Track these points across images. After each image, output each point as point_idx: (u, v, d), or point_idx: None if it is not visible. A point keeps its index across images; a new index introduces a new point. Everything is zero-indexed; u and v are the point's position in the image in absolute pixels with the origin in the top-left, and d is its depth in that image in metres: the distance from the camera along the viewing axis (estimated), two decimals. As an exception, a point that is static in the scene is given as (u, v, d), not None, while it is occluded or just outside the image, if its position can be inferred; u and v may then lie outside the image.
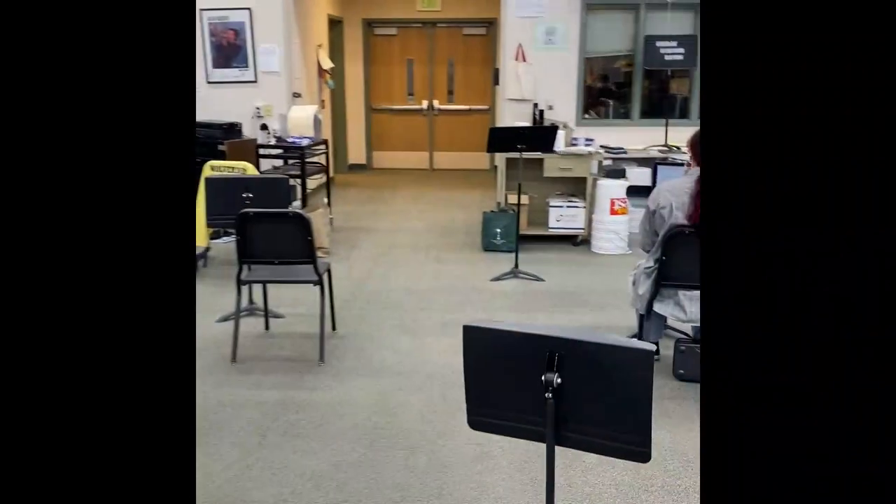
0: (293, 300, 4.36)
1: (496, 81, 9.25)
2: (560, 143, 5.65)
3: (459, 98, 9.78)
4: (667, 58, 6.29)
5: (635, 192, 5.70)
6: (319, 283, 3.46)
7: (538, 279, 4.88)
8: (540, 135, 4.71)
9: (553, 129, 4.71)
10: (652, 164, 5.74)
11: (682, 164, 5.44)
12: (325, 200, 5.93)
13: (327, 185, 6.23)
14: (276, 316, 4.13)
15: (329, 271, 3.75)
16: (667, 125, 6.50)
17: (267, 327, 3.98)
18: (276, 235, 3.28)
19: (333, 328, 3.93)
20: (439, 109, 9.80)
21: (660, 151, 6.33)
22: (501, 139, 4.70)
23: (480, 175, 9.61)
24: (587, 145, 6.03)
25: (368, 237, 6.15)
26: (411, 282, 4.87)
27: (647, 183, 6.34)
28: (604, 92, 7.00)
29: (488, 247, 5.64)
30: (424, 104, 9.79)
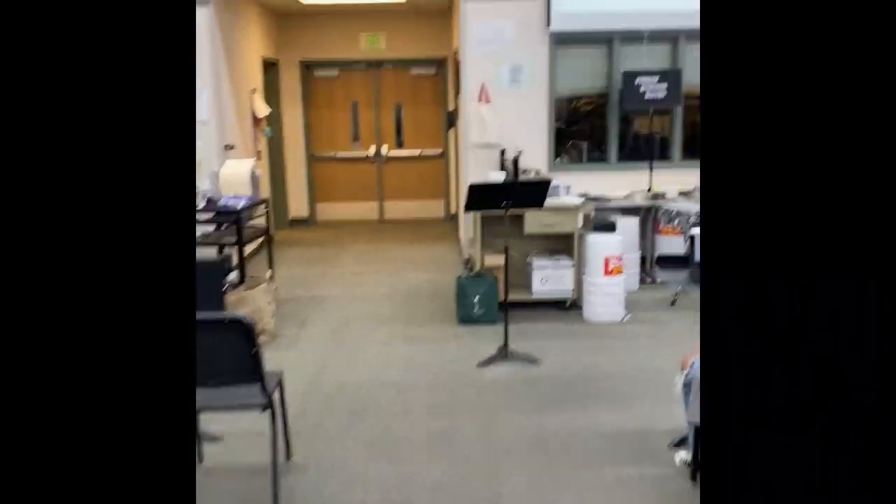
0: (232, 415, 3.40)
1: (450, 124, 8.53)
2: (540, 195, 4.90)
3: (409, 142, 9.02)
4: (647, 96, 5.67)
5: (666, 262, 5.05)
6: (269, 407, 2.55)
7: (533, 360, 4.06)
8: (530, 190, 3.93)
9: (545, 183, 3.95)
10: (688, 237, 5.10)
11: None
12: (269, 273, 5.00)
13: (269, 251, 5.31)
14: (212, 439, 3.17)
15: (281, 385, 2.84)
16: (651, 168, 5.86)
17: (200, 458, 3.02)
18: (210, 350, 2.37)
19: (288, 457, 3.00)
20: (388, 155, 9.01)
21: (645, 199, 5.66)
22: (483, 197, 3.91)
23: (436, 226, 8.81)
24: (567, 193, 5.32)
25: (319, 309, 5.24)
26: (378, 371, 3.98)
27: (635, 236, 5.66)
28: (577, 133, 6.34)
29: (465, 318, 4.80)
30: (371, 150, 8.98)
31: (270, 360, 4.11)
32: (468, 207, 3.98)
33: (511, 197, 3.88)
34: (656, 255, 5.87)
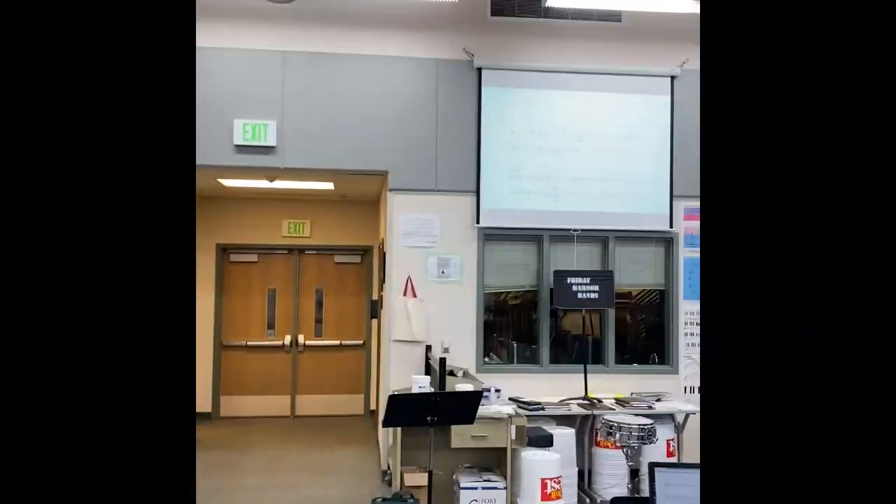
0: None
1: (373, 315, 8.09)
2: (469, 403, 4.38)
3: (329, 332, 8.48)
4: (580, 296, 5.42)
5: None
6: None
7: None
8: (459, 404, 3.42)
9: (476, 395, 3.46)
10: (648, 466, 4.57)
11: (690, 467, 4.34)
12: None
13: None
14: None
15: None
16: (585, 373, 5.47)
17: None
18: None
19: None
20: (305, 345, 8.40)
21: (581, 406, 5.21)
22: (405, 411, 3.36)
23: (354, 425, 8.05)
24: (497, 397, 4.82)
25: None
26: None
27: (572, 449, 5.12)
28: (507, 332, 5.98)
29: (379, 553, 4.03)
30: (287, 339, 8.37)
31: None
32: (387, 423, 3.41)
33: (437, 412, 3.35)
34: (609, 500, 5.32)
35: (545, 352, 5.74)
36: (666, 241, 5.89)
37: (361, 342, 8.46)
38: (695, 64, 5.87)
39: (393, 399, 3.34)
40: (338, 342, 8.45)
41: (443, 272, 5.62)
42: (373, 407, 8.19)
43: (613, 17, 5.83)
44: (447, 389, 4.47)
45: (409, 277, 5.57)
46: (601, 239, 5.83)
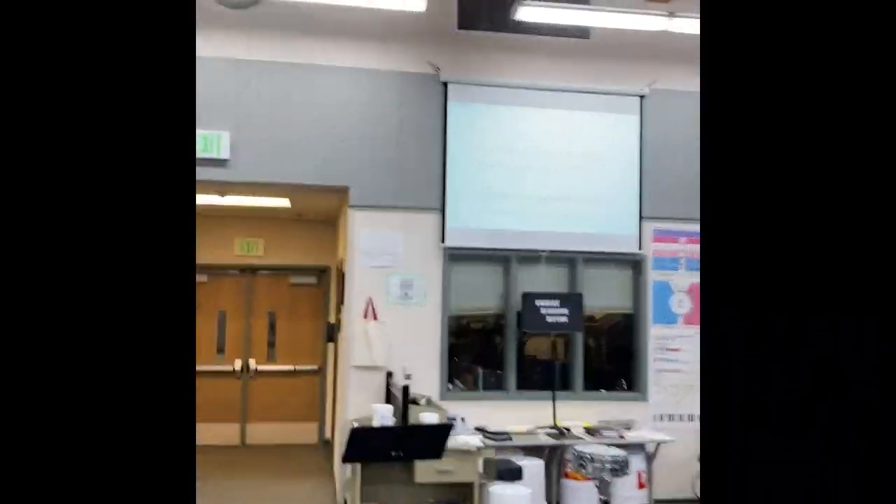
0: None
1: (329, 338, 7.75)
2: (434, 433, 4.09)
3: (283, 357, 8.09)
4: (549, 319, 5.20)
5: None
6: None
7: None
8: (426, 437, 3.14)
9: (444, 429, 3.18)
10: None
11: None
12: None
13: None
14: None
15: None
16: (554, 400, 5.24)
17: None
18: None
19: None
20: (256, 370, 7.99)
21: (550, 436, 4.97)
22: (367, 446, 3.06)
23: (308, 454, 7.65)
24: (463, 426, 4.56)
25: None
26: None
27: (541, 481, 4.86)
28: (472, 356, 5.72)
29: None
30: (238, 364, 7.95)
31: None
32: (348, 457, 3.10)
33: (403, 446, 3.06)
34: None
35: (512, 377, 5.49)
36: (634, 264, 5.73)
37: (317, 367, 8.09)
38: (664, 83, 5.77)
39: (355, 433, 3.04)
40: (291, 367, 8.07)
41: (405, 294, 5.34)
42: (328, 436, 7.82)
43: (583, 34, 5.70)
44: (410, 419, 4.18)
45: (369, 299, 5.28)
46: (569, 261, 5.64)
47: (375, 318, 5.27)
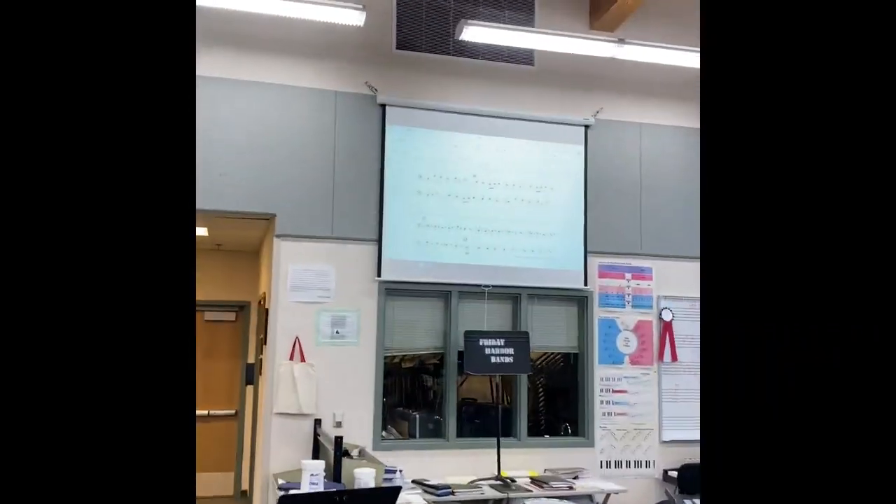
0: None
1: (248, 381, 7.12)
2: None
3: (196, 400, 7.37)
4: (493, 360, 4.83)
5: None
6: None
7: None
8: (370, 501, 2.67)
9: (393, 492, 2.72)
10: None
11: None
12: None
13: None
14: None
15: None
16: (499, 448, 4.84)
17: None
18: None
19: None
20: (166, 416, 7.24)
21: (494, 487, 4.56)
22: (300, 516, 2.57)
23: (221, 508, 6.95)
24: (400, 478, 4.08)
25: None
26: None
27: (488, 538, 4.43)
28: (408, 401, 5.27)
29: None
30: (145, 409, 7.18)
31: None
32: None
33: (342, 515, 2.58)
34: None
35: (452, 423, 5.07)
36: (580, 301, 5.45)
37: (234, 412, 7.42)
38: (609, 113, 5.59)
39: (285, 501, 2.54)
40: (205, 412, 7.37)
41: (337, 332, 4.87)
42: (245, 487, 7.14)
43: (527, 60, 5.47)
44: (344, 476, 3.69)
45: (296, 338, 4.77)
46: (512, 296, 5.31)
47: (303, 359, 4.76)
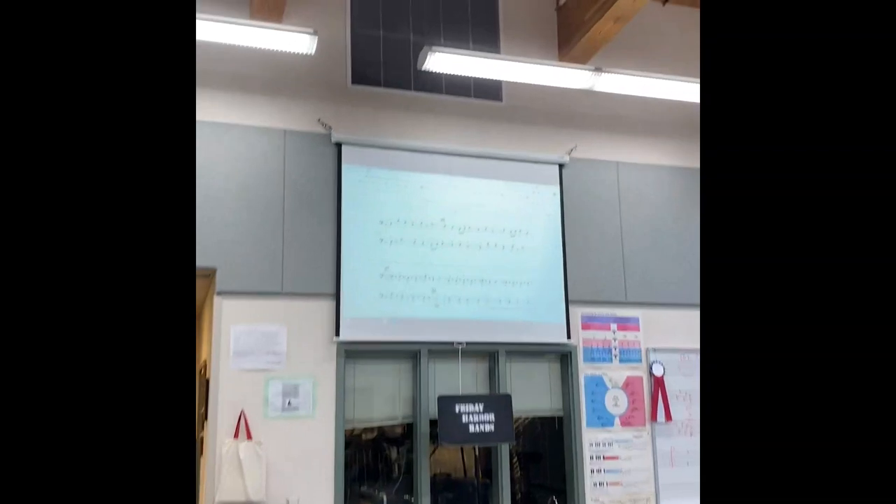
0: None
1: (189, 461, 6.27)
2: None
3: (128, 487, 6.48)
4: (472, 429, 4.21)
5: None
6: None
7: None
8: None
9: None
10: None
11: None
12: None
13: None
14: None
15: None
16: (481, 533, 4.17)
17: None
18: None
19: None
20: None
21: (480, 580, 3.87)
22: None
23: None
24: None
25: None
26: None
27: None
28: (370, 477, 4.57)
29: None
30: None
31: None
32: None
33: None
34: None
35: (425, 501, 4.39)
36: (563, 357, 4.90)
37: (172, 497, 6.54)
38: (583, 151, 5.17)
39: None
40: (140, 499, 6.47)
41: (289, 403, 4.19)
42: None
43: (493, 94, 5.04)
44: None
45: (242, 412, 4.08)
46: (489, 353, 4.73)
47: (249, 436, 4.06)
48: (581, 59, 5.12)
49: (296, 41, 3.92)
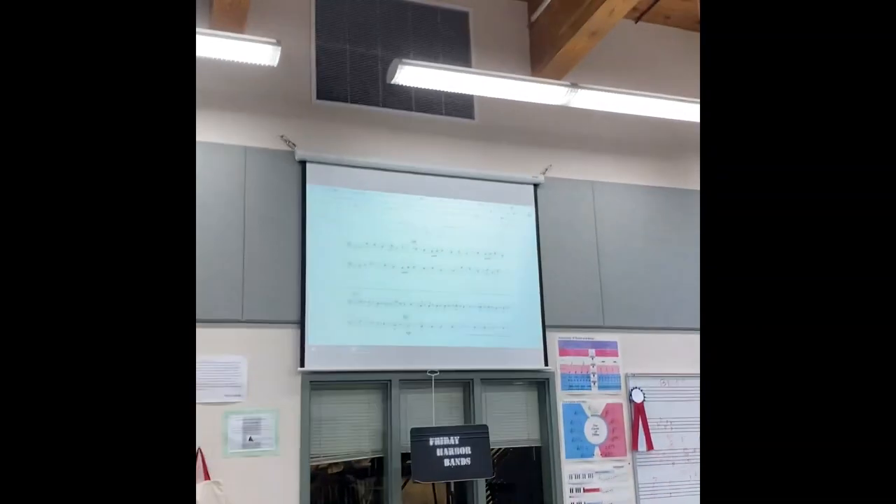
0: None
1: None
2: None
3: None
4: (447, 463, 3.96)
5: None
6: None
7: None
8: None
9: None
10: None
11: None
12: None
13: None
14: None
15: None
16: (458, 576, 3.89)
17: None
18: None
19: None
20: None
21: None
22: None
23: None
24: None
25: None
26: None
27: None
28: (342, 521, 4.29)
29: None
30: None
31: None
32: None
33: None
34: None
35: (397, 546, 4.10)
36: (540, 384, 4.68)
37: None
38: (558, 171, 5.01)
39: None
40: (88, 543, 6.03)
41: (250, 439, 3.89)
42: None
43: (465, 111, 4.86)
44: None
45: (198, 450, 3.77)
46: (464, 382, 4.49)
47: (207, 476, 3.74)
48: (554, 76, 4.98)
49: (258, 52, 3.69)
